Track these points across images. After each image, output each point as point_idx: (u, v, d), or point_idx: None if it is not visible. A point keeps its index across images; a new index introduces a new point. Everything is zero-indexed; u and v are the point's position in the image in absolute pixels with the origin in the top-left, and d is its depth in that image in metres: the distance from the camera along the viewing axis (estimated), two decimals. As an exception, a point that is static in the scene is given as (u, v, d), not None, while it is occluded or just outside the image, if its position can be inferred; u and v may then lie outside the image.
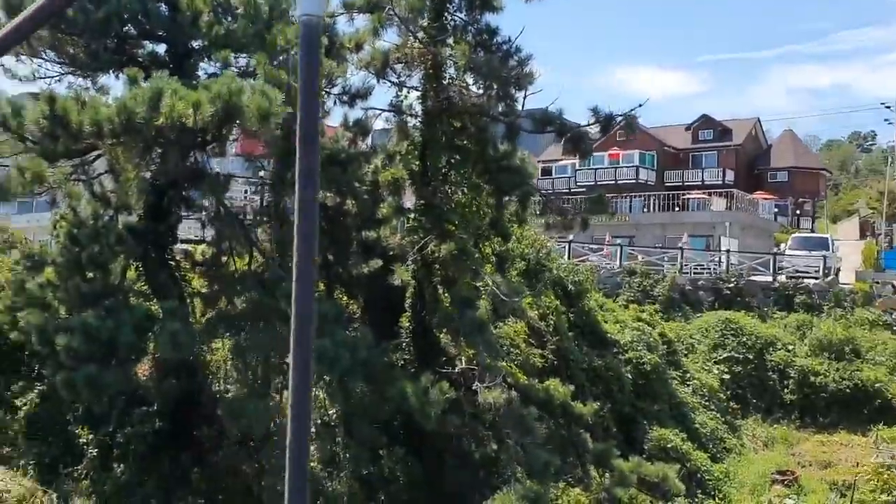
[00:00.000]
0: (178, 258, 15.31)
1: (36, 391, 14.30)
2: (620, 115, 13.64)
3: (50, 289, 13.19)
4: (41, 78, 14.23)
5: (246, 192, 22.12)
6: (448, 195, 14.58)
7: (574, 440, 14.80)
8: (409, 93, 14.97)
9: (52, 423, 13.61)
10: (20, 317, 13.40)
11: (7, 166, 11.44)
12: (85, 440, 13.25)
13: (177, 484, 12.40)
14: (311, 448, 13.94)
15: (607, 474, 15.03)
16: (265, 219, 14.93)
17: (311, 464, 13.63)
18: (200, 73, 14.26)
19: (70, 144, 10.76)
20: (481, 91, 14.85)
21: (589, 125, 14.11)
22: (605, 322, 22.82)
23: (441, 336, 14.66)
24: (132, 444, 13.17)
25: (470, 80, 14.79)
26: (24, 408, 14.20)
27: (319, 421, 14.35)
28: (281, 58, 12.81)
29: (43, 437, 13.66)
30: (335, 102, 15.11)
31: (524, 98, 13.92)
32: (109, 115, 9.71)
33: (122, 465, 13.03)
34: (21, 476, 12.87)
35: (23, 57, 13.99)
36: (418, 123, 14.95)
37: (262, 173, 18.23)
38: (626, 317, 24.31)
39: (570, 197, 29.42)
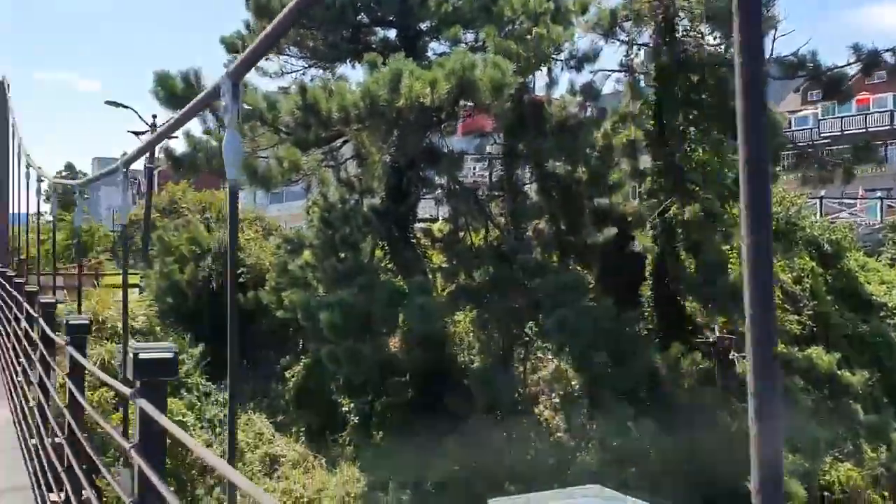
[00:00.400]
0: (418, 236, 15.87)
1: (301, 364, 15.54)
2: (888, 51, 12.06)
3: (309, 269, 14.22)
4: (287, 73, 15.31)
5: (473, 168, 22.52)
6: (687, 154, 13.77)
7: (842, 412, 13.49)
8: (639, 50, 14.31)
9: (317, 393, 14.69)
10: (284, 296, 14.59)
11: (266, 157, 12.37)
12: (347, 409, 14.15)
13: (431, 451, 12.86)
14: (557, 419, 13.94)
15: (884, 448, 13.60)
16: (498, 193, 15.03)
17: (559, 434, 13.60)
18: (429, 53, 14.59)
19: (320, 132, 11.41)
20: (719, 41, 13.84)
21: (848, 65, 12.63)
22: (869, 283, 20.57)
23: (687, 304, 13.94)
24: (388, 413, 13.87)
25: (706, 30, 13.82)
26: (293, 379, 15.50)
27: (563, 392, 14.29)
28: (508, 28, 12.72)
29: (310, 406, 14.82)
30: (562, 68, 14.77)
31: (773, 42, 12.75)
32: (354, 101, 10.16)
33: (380, 432, 13.77)
34: (294, 442, 14.06)
35: (270, 55, 15.11)
36: (651, 81, 14.24)
37: (488, 148, 18.32)
38: (892, 277, 21.78)
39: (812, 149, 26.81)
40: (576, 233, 15.01)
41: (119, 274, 25.27)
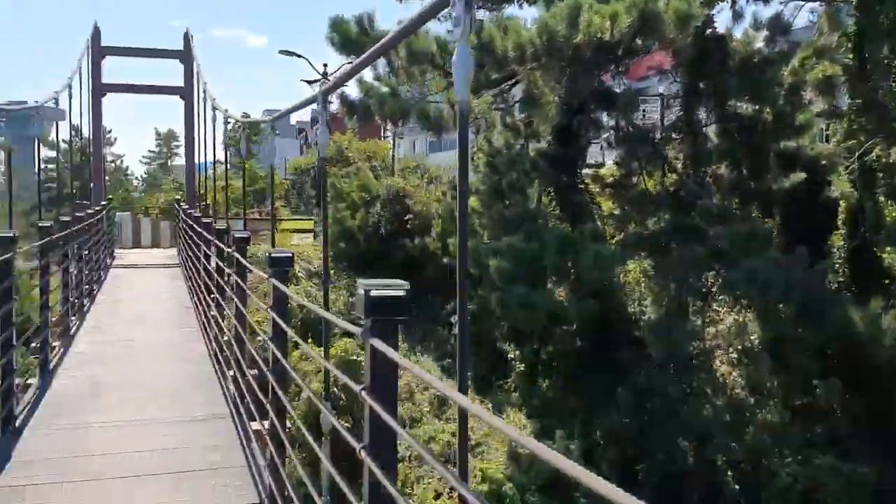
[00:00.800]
0: (586, 182, 15.39)
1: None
2: None
3: (475, 216, 14.15)
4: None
5: (643, 110, 21.53)
6: (893, 90, 12.41)
7: None
8: (839, -25, 12.95)
9: (483, 340, 14.71)
10: (450, 242, 14.65)
11: (437, 102, 12.29)
12: (512, 356, 14.10)
13: (600, 402, 12.59)
14: (735, 374, 13.23)
15: None
16: (675, 135, 14.25)
17: (737, 391, 12.92)
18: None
19: (491, 74, 11.15)
20: (936, -41, 12.26)
21: None
22: None
23: (886, 255, 12.73)
24: (555, 362, 13.70)
25: (920, -52, 12.27)
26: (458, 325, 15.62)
27: (741, 347, 13.53)
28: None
29: (475, 351, 14.88)
30: (747, 0, 13.67)
31: None
32: (531, 37, 9.80)
33: (546, 381, 13.64)
34: (461, 386, 14.21)
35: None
36: (852, 10, 12.88)
37: (660, 89, 17.42)
38: None
39: None
40: (758, 178, 14.03)
41: (295, 219, 26.44)
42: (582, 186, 14.97)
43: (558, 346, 13.77)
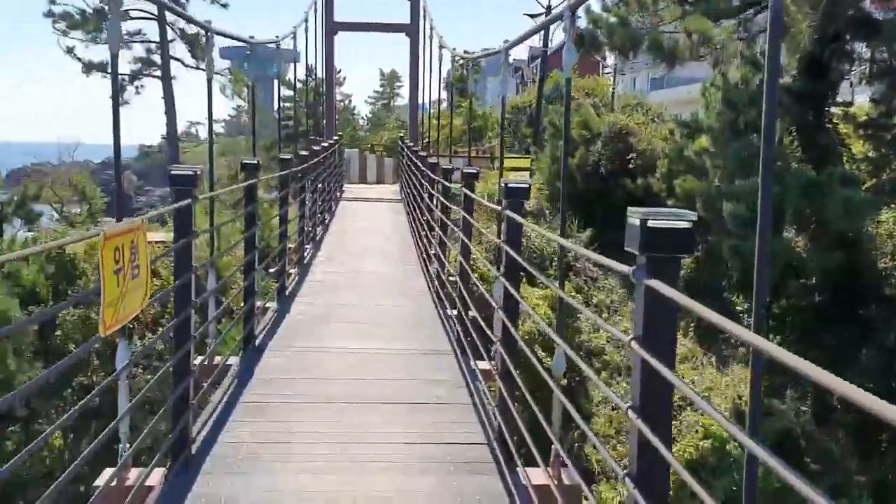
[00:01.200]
0: (834, 121, 13.87)
1: (693, 255, 14.83)
2: None
3: (706, 156, 13.24)
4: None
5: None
6: None
7: None
8: None
9: (708, 288, 13.92)
10: (676, 184, 13.84)
11: (671, 32, 11.48)
12: (741, 308, 13.23)
13: (839, 362, 11.50)
14: None
15: None
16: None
17: None
18: None
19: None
20: None
21: None
22: None
23: None
24: (789, 317, 12.69)
25: None
26: (682, 272, 14.88)
27: None
28: None
29: (699, 301, 14.11)
30: None
31: None
32: (788, -43, 8.77)
33: (778, 336, 12.68)
34: (682, 336, 13.58)
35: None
36: None
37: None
38: None
39: None
40: None
41: (511, 157, 26.46)
42: (830, 126, 13.52)
43: (794, 299, 12.70)
